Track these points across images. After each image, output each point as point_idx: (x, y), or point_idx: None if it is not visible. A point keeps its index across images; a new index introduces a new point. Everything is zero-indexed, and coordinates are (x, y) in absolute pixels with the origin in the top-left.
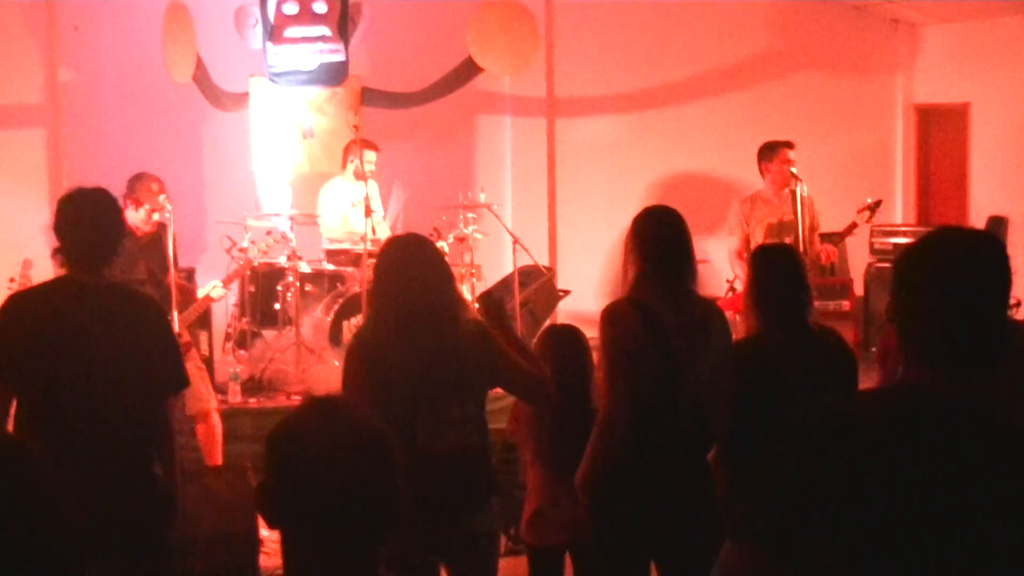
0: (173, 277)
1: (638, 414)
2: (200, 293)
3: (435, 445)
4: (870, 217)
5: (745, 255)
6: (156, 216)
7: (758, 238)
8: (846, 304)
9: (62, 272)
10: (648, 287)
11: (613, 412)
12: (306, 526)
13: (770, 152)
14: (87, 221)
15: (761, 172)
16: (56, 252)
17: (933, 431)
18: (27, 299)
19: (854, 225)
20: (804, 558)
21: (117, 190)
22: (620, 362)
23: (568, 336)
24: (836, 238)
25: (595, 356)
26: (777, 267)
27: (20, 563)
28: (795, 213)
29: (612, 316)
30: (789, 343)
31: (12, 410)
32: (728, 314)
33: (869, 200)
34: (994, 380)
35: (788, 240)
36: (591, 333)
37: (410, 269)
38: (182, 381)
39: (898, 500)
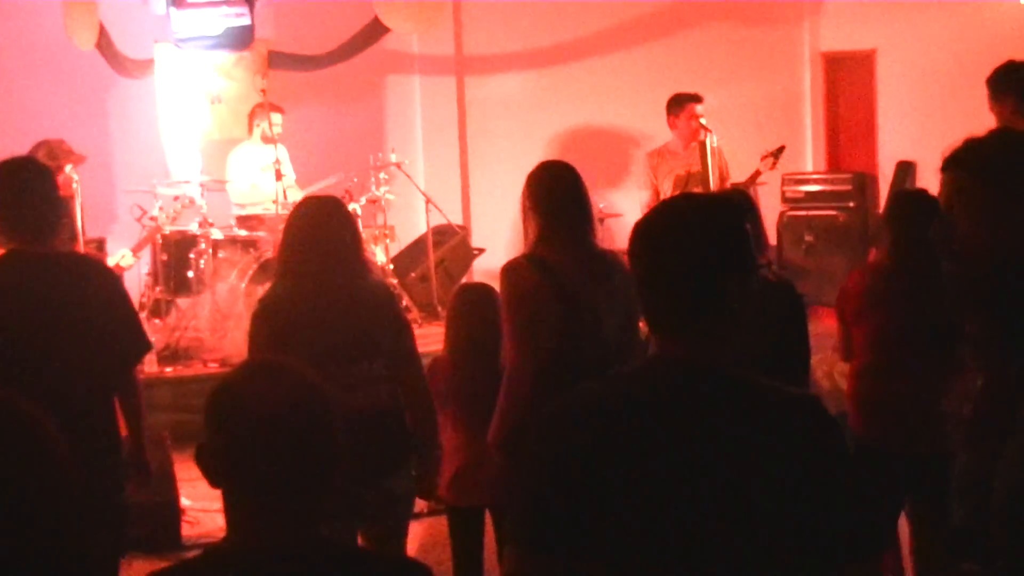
0: (81, 248)
1: (543, 369)
2: (110, 262)
3: (344, 404)
4: (774, 163)
5: None
6: (68, 169)
7: (667, 190)
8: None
9: (10, 246)
10: (546, 243)
11: (517, 368)
12: (247, 485)
13: (677, 107)
14: (31, 191)
15: (669, 125)
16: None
17: (674, 395)
18: None
19: (758, 173)
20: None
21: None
22: (521, 319)
23: (480, 294)
24: (742, 187)
25: None
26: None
27: (33, 534)
28: (704, 164)
29: (510, 273)
30: None
31: None
32: None
33: (772, 147)
34: (730, 341)
35: (697, 191)
36: None
37: (316, 230)
38: (145, 346)
39: (652, 469)
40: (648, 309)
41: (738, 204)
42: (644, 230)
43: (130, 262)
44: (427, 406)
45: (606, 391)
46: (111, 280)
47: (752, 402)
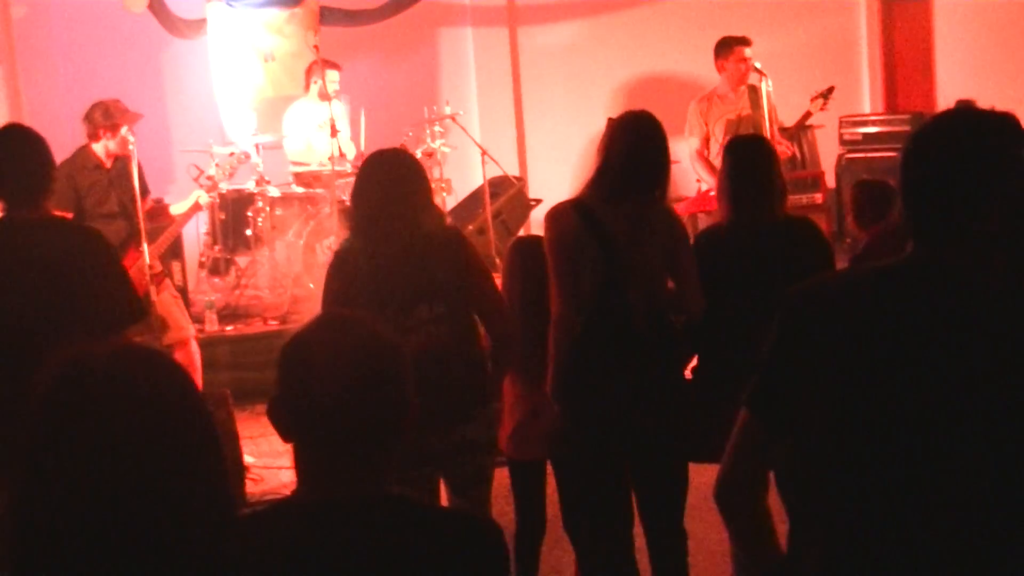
0: (140, 208)
1: (587, 314)
2: (182, 207)
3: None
4: (824, 104)
5: (706, 154)
6: (124, 130)
7: (718, 136)
8: (818, 197)
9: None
10: (593, 190)
11: (560, 313)
12: (318, 439)
13: (726, 49)
14: (22, 156)
15: (718, 69)
16: None
17: (927, 296)
18: None
19: (808, 114)
20: (800, 429)
21: (78, 126)
22: (562, 264)
23: (533, 247)
24: (792, 129)
25: None
26: (745, 158)
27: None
28: (755, 107)
29: (552, 219)
30: (755, 232)
31: None
32: (699, 215)
33: (823, 88)
34: (985, 250)
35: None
36: None
37: (380, 180)
38: (137, 312)
39: (889, 362)
40: (915, 215)
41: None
42: (922, 138)
43: (207, 199)
44: (507, 343)
45: (862, 280)
46: (102, 246)
47: (1001, 302)
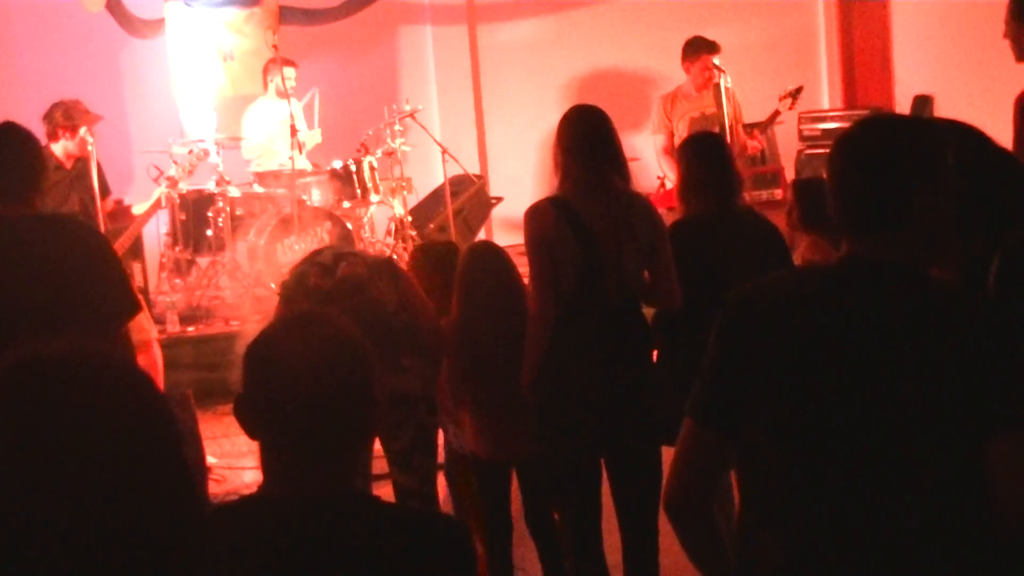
0: (101, 209)
1: (565, 310)
2: (143, 207)
3: (321, 284)
4: (792, 103)
5: (671, 151)
6: (83, 131)
7: (682, 133)
8: (778, 192)
9: None
10: (570, 184)
11: (540, 309)
12: (284, 437)
13: (693, 54)
14: (12, 153)
15: (684, 69)
16: None
17: (863, 287)
18: None
19: (777, 113)
20: (742, 433)
21: (36, 126)
22: (541, 260)
23: (480, 253)
24: (761, 127)
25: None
26: (704, 153)
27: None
28: (718, 105)
29: (531, 216)
30: (717, 223)
31: None
32: (660, 211)
33: (790, 87)
34: (912, 247)
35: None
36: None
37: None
38: (134, 307)
39: (835, 358)
40: (841, 212)
41: (940, 131)
42: (845, 140)
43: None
44: (417, 304)
45: (797, 280)
46: (96, 240)
47: (926, 295)
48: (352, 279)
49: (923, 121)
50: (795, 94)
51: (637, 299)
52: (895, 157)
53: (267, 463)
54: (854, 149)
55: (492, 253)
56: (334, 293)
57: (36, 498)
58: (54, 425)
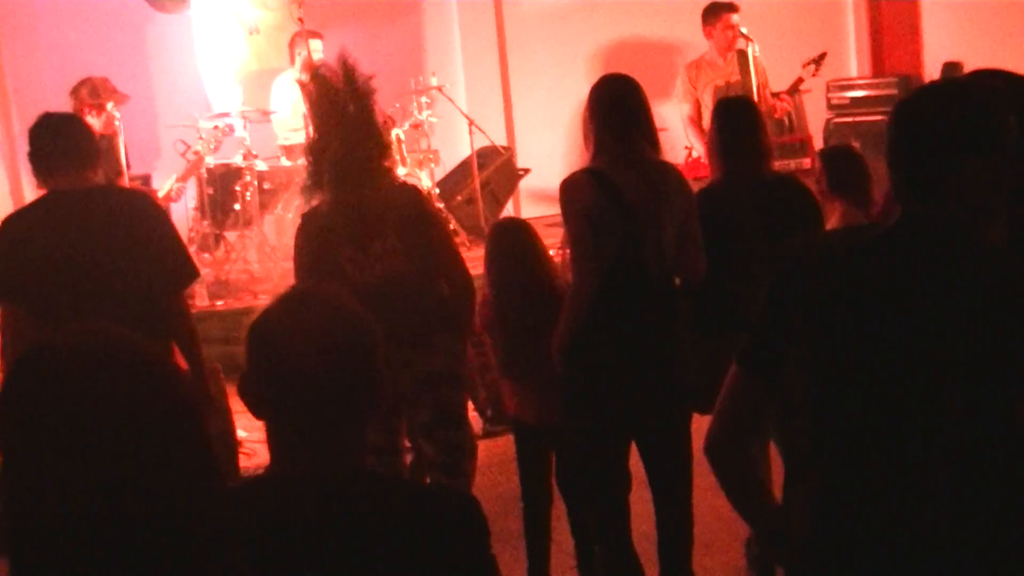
0: (127, 183)
1: (605, 282)
2: (160, 193)
3: (364, 278)
4: (816, 70)
5: (697, 120)
6: (110, 107)
7: (707, 102)
8: (806, 161)
9: (50, 185)
10: (604, 155)
11: (582, 280)
12: (288, 416)
13: (713, 16)
14: (65, 132)
15: (706, 35)
16: (38, 171)
17: (914, 249)
18: (23, 217)
19: (800, 80)
20: (789, 385)
21: (63, 101)
22: (581, 231)
23: (509, 234)
24: (785, 94)
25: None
26: (735, 117)
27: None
28: (743, 72)
29: (568, 188)
30: (746, 188)
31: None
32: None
33: (814, 54)
34: (971, 214)
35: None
36: (555, 209)
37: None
38: (192, 272)
39: (881, 316)
40: (895, 179)
41: (999, 97)
42: (900, 108)
43: (179, 186)
44: (459, 283)
45: (848, 239)
46: (154, 210)
47: (976, 258)
48: (394, 277)
49: (981, 88)
50: (818, 60)
51: (672, 272)
52: (946, 125)
53: (273, 442)
54: (907, 117)
55: (519, 229)
56: (375, 292)
57: (50, 481)
58: (66, 410)
